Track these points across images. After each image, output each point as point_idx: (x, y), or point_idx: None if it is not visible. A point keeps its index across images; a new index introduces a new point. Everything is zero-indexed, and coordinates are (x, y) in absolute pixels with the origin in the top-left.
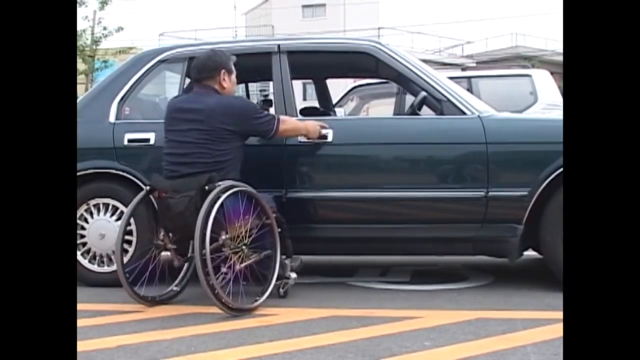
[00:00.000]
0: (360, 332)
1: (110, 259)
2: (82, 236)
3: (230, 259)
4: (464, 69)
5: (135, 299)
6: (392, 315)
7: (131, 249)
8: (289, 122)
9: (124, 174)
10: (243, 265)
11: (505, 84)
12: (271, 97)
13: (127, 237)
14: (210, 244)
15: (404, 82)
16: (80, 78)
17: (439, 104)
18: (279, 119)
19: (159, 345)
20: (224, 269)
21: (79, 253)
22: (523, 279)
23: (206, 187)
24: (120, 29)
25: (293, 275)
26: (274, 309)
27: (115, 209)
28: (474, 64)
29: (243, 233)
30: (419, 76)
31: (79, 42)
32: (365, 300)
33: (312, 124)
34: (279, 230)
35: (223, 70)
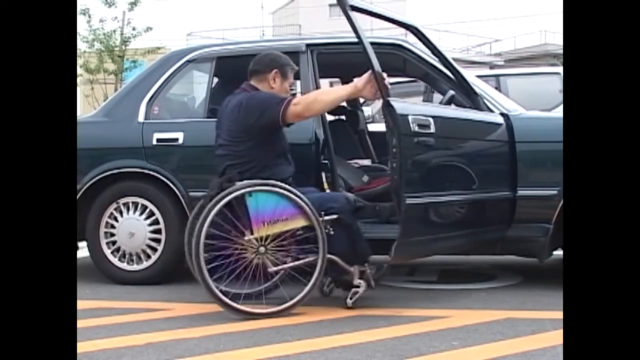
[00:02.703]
0: (387, 332)
1: (139, 257)
2: (112, 235)
3: (259, 259)
4: (492, 67)
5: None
6: (420, 315)
7: (160, 248)
8: (305, 98)
9: (153, 174)
10: (278, 268)
11: (534, 82)
12: (299, 96)
13: (156, 236)
14: (229, 242)
15: (431, 80)
16: (110, 78)
17: (466, 102)
18: (289, 100)
19: (187, 343)
20: (221, 269)
21: (109, 251)
22: (552, 279)
23: (223, 186)
24: (149, 29)
25: (357, 281)
26: (301, 307)
27: (145, 207)
28: (502, 62)
29: (274, 234)
30: (444, 74)
31: (109, 42)
32: (392, 299)
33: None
34: (346, 234)
35: (276, 70)
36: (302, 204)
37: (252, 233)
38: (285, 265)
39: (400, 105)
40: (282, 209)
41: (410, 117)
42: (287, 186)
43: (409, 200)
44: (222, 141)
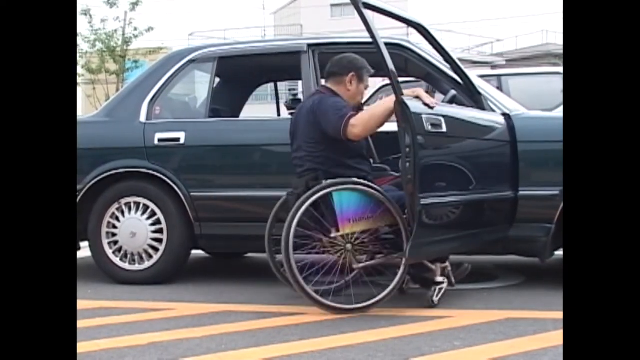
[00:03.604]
0: (389, 332)
1: (141, 257)
2: (114, 234)
3: (343, 257)
4: (493, 67)
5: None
6: (422, 315)
7: (162, 248)
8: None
9: (155, 173)
10: (362, 265)
11: (536, 82)
12: (300, 96)
13: (158, 236)
14: (313, 240)
15: (433, 80)
16: (112, 78)
17: (468, 102)
18: (348, 119)
19: (189, 343)
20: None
21: (111, 251)
22: (554, 279)
23: (309, 185)
24: (150, 29)
25: (439, 278)
26: (302, 307)
27: (146, 207)
28: (504, 62)
29: (359, 232)
30: (447, 74)
31: (111, 43)
32: (394, 299)
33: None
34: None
35: (353, 73)
36: (386, 202)
37: (337, 231)
38: (371, 262)
39: (414, 104)
40: (366, 207)
41: (423, 117)
42: (372, 184)
43: (424, 201)
44: (300, 143)
